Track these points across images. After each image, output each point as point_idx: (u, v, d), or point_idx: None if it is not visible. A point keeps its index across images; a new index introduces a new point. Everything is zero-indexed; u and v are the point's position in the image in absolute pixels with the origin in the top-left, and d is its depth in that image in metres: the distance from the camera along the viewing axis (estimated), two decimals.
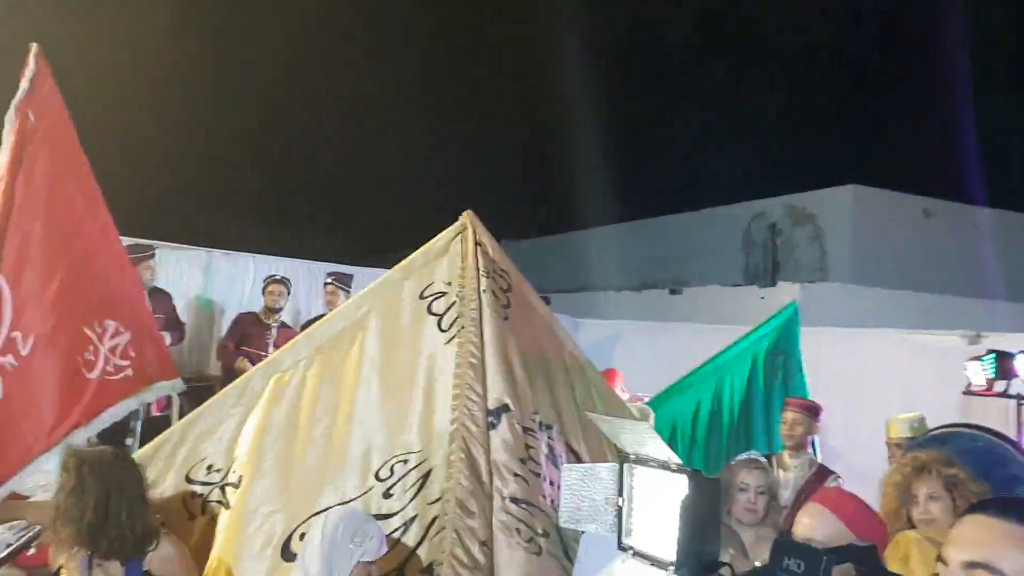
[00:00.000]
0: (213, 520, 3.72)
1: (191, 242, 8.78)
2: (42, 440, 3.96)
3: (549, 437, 3.88)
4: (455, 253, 4.05)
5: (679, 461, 2.07)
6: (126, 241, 7.31)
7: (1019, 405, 7.33)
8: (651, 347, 10.64)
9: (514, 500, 3.63)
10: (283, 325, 7.69)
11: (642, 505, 2.19)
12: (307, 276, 8.71)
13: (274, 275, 7.99)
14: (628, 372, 8.18)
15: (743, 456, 4.08)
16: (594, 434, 4.10)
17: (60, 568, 3.19)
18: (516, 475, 3.67)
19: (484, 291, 3.95)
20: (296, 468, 3.76)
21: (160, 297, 7.34)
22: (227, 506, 3.72)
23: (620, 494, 2.23)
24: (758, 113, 19.50)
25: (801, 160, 18.10)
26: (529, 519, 3.63)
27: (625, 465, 2.25)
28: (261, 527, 3.63)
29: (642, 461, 2.17)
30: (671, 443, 6.03)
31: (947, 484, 3.44)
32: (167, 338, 7.20)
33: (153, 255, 7.27)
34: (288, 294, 7.86)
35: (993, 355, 7.53)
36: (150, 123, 17.84)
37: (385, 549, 2.98)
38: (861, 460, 7.06)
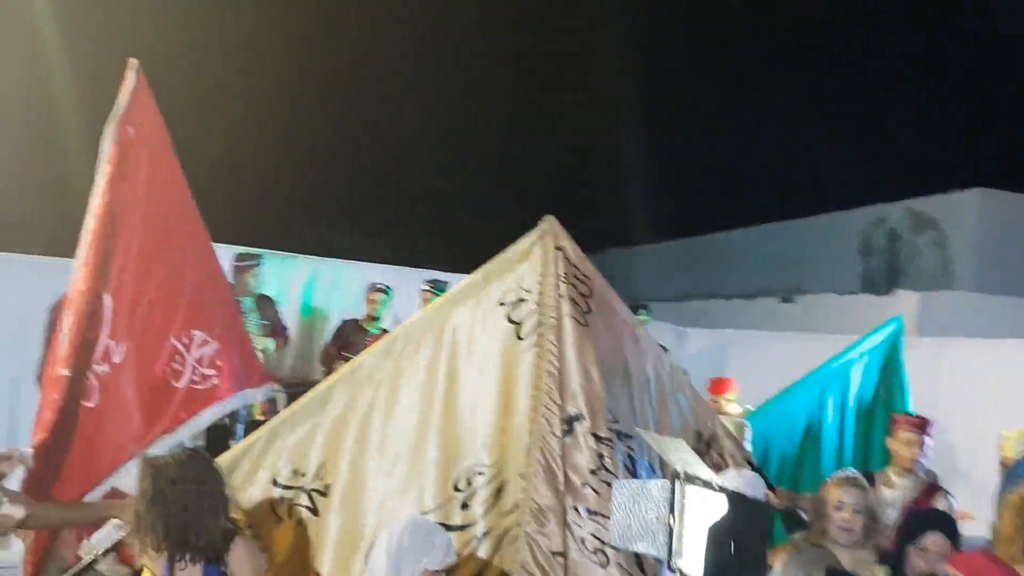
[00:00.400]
0: (300, 523, 3.79)
1: (296, 250, 9.03)
2: (133, 445, 4.10)
3: (628, 447, 3.81)
4: (535, 259, 3.98)
5: (721, 482, 1.97)
6: (234, 249, 7.59)
7: None
8: (762, 357, 10.36)
9: (586, 511, 3.61)
10: (384, 332, 7.80)
11: (692, 526, 2.10)
12: (405, 283, 8.82)
13: (376, 283, 8.13)
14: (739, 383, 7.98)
15: (839, 473, 3.90)
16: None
17: (143, 568, 3.28)
18: (585, 484, 3.64)
19: (562, 297, 3.89)
20: (379, 477, 3.80)
21: (265, 303, 7.56)
22: (315, 512, 3.78)
23: (671, 513, 2.15)
24: (877, 113, 18.75)
25: (923, 162, 17.28)
26: (598, 530, 3.59)
27: (676, 483, 2.17)
28: (348, 537, 3.70)
29: (691, 480, 2.09)
30: (765, 459, 5.84)
31: None
32: (271, 343, 7.43)
33: (260, 263, 7.50)
34: (389, 301, 7.98)
35: None
36: (253, 132, 18.48)
37: (452, 558, 2.97)
38: (983, 477, 6.69)
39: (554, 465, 3.63)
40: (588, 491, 3.64)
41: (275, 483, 3.82)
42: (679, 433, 4.14)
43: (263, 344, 7.33)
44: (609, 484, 3.61)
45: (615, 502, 2.33)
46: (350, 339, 7.70)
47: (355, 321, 8.05)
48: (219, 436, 6.23)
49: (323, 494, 3.78)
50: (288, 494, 3.80)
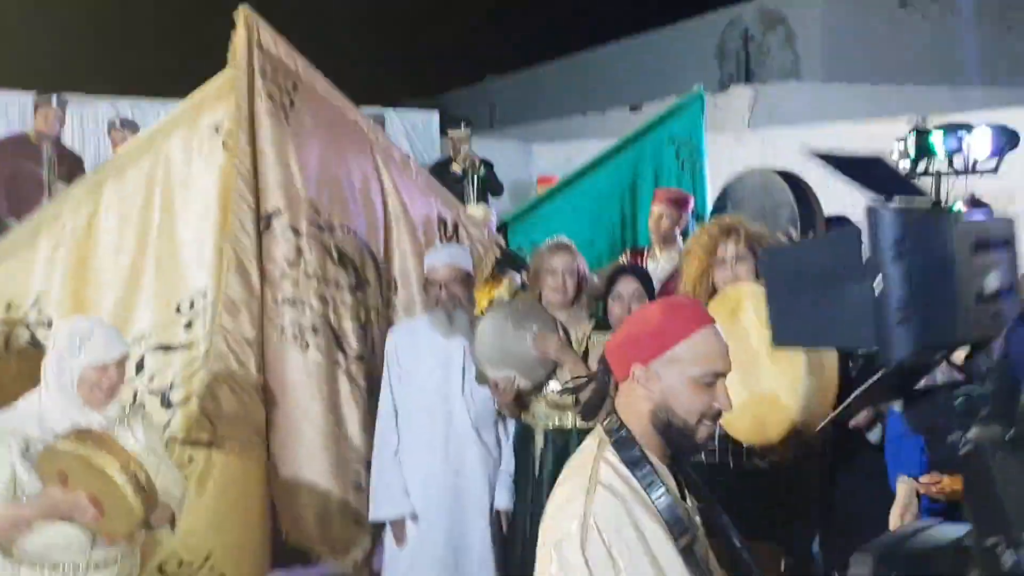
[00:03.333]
0: (20, 354, 3.77)
1: None
2: None
3: (334, 238, 3.99)
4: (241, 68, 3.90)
5: None
6: None
7: (936, 181, 7.10)
8: None
9: (284, 300, 3.84)
10: None
11: None
12: None
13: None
14: None
15: (550, 240, 3.95)
16: (407, 231, 4.29)
17: None
18: (284, 275, 3.85)
19: (259, 94, 3.88)
20: (99, 308, 3.81)
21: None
22: (37, 345, 3.74)
23: None
24: None
25: None
26: (296, 316, 3.85)
27: None
28: None
29: None
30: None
31: (751, 244, 3.36)
32: None
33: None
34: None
35: (913, 133, 7.23)
36: None
37: (117, 352, 2.91)
38: None
39: (246, 261, 3.77)
40: (286, 280, 3.85)
41: None
42: (423, 221, 4.37)
43: None
44: (308, 274, 3.88)
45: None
46: None
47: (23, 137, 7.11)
48: None
49: (47, 326, 3.76)
50: (4, 328, 3.78)
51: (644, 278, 3.84)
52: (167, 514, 2.97)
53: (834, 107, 10.95)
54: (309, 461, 3.89)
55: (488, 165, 8.61)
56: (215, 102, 3.96)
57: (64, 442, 2.69)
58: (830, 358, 3.11)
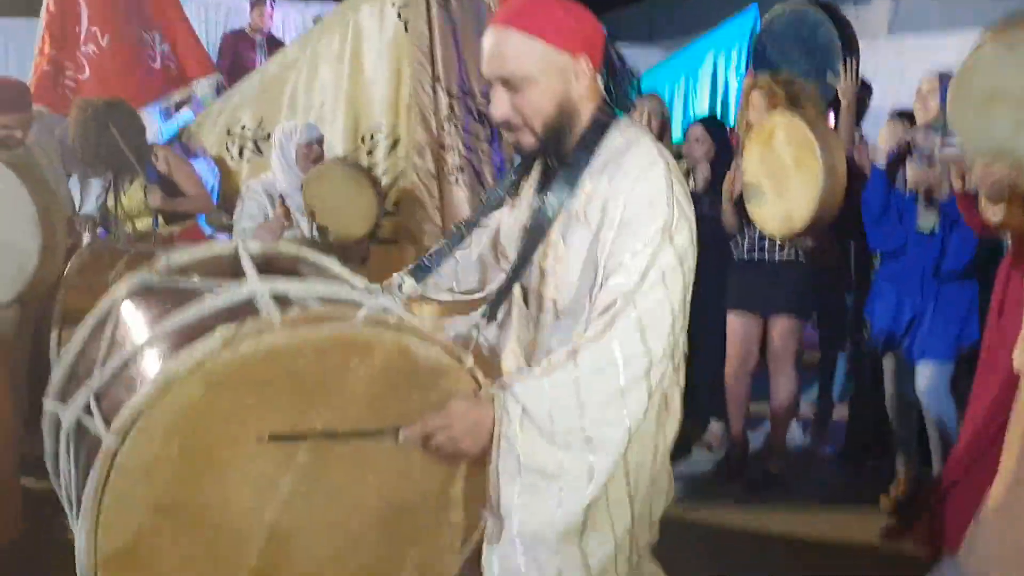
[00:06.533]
0: (248, 161, 5.22)
1: None
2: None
3: (472, 99, 5.25)
4: None
5: None
6: None
7: None
8: None
9: (442, 147, 5.16)
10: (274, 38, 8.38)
11: None
12: None
13: None
14: None
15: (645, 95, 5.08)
16: None
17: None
18: (440, 127, 5.15)
19: None
20: None
21: None
22: (260, 152, 5.22)
23: None
24: None
25: None
26: (450, 158, 5.16)
27: None
28: None
29: None
30: None
31: (780, 86, 4.54)
32: None
33: None
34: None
35: None
36: None
37: (318, 133, 4.42)
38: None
39: (426, 113, 5.11)
40: (445, 133, 5.16)
41: (228, 133, 5.27)
42: None
43: None
44: (455, 125, 5.20)
45: None
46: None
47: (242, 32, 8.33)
48: None
49: (266, 139, 5.19)
50: (239, 140, 5.26)
51: (714, 128, 4.98)
52: (365, 250, 4.43)
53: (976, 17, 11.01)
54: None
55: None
56: None
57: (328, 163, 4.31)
58: (841, 164, 4.08)
